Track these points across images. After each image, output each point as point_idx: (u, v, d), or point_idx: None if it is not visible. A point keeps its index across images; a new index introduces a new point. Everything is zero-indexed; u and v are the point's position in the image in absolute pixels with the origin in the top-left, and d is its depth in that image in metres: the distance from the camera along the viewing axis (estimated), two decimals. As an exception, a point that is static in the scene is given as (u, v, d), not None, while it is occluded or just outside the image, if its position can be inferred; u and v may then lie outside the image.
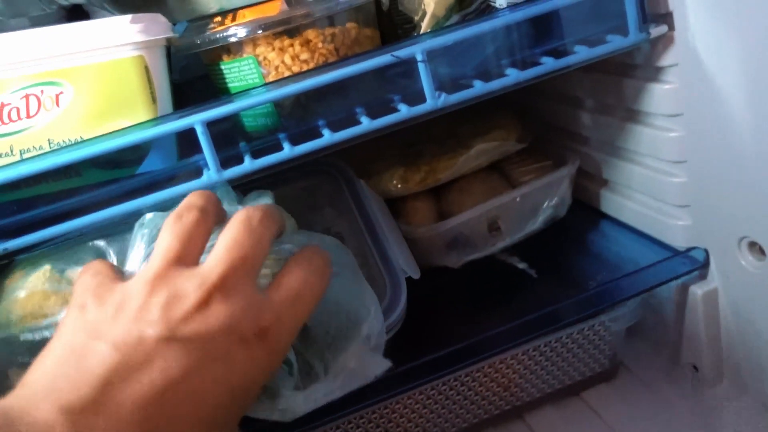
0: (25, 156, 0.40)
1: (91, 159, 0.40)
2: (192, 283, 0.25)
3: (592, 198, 0.66)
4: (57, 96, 0.40)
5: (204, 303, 0.25)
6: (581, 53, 0.46)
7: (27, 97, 0.39)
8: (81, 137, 0.41)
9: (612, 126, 0.59)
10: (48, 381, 0.24)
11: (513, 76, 0.45)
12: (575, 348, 0.57)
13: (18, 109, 0.39)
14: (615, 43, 0.47)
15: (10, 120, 0.39)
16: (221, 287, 0.26)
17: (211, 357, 0.24)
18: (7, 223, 0.41)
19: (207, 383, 0.24)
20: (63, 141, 0.40)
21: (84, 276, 0.30)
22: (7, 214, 0.41)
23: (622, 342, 0.59)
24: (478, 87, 0.45)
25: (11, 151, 0.40)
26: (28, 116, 0.40)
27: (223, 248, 0.28)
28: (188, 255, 0.27)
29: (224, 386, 0.25)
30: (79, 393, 0.23)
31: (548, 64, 0.46)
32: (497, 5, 0.46)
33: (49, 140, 0.40)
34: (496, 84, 0.45)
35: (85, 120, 0.40)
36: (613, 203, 0.64)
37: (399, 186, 0.60)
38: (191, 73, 0.55)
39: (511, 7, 0.45)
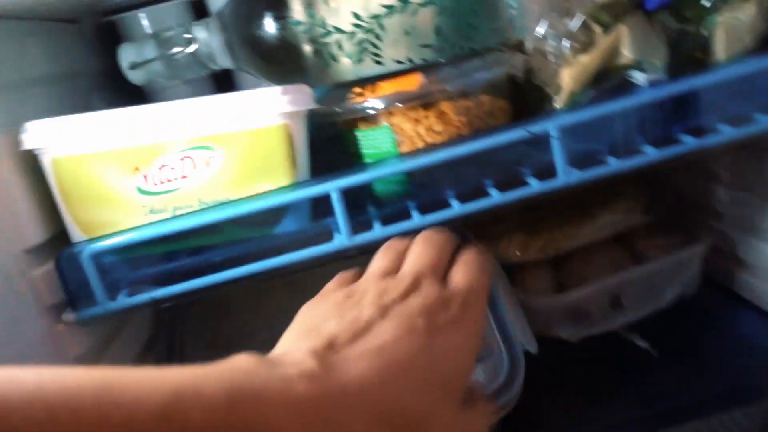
0: (177, 213, 0.43)
1: (233, 218, 0.43)
2: (396, 282, 0.36)
3: (725, 277, 0.62)
4: (209, 159, 0.43)
5: (405, 294, 0.34)
6: (725, 133, 0.44)
7: (183, 159, 0.43)
8: (227, 198, 0.43)
9: (751, 203, 0.56)
10: (295, 338, 0.34)
11: (650, 154, 0.44)
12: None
13: (175, 170, 0.43)
14: (763, 123, 0.44)
15: (167, 180, 0.43)
16: (415, 284, 0.35)
17: (412, 332, 0.32)
18: (157, 273, 0.44)
19: (412, 352, 0.32)
20: (211, 201, 0.43)
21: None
22: (158, 265, 0.44)
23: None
24: (613, 164, 0.44)
25: (166, 209, 0.43)
26: (183, 177, 0.43)
27: (415, 257, 0.38)
28: (394, 267, 0.38)
29: (424, 358, 0.32)
30: (322, 342, 0.31)
31: (688, 143, 0.44)
32: (636, 82, 0.45)
33: (199, 200, 0.43)
34: (631, 162, 0.44)
35: (232, 182, 0.43)
36: (748, 285, 0.60)
37: (518, 253, 0.59)
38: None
39: (653, 85, 0.44)
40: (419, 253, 0.38)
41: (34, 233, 0.44)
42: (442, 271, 0.37)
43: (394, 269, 0.38)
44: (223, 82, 0.64)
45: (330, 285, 0.39)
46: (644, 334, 0.61)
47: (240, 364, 0.27)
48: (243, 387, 0.26)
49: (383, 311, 0.33)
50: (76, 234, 0.44)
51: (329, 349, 0.30)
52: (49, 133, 0.42)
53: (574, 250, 0.61)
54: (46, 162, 0.43)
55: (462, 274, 0.37)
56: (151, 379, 0.25)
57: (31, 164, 0.43)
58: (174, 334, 0.58)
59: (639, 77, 0.45)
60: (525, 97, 0.53)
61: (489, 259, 0.42)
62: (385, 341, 0.31)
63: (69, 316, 0.44)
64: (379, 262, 0.39)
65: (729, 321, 0.61)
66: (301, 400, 0.27)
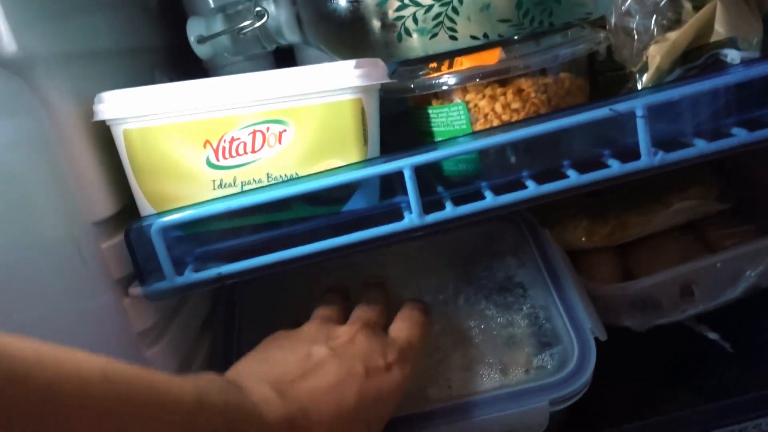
0: (245, 188, 0.43)
1: (303, 195, 0.42)
2: (343, 330, 0.43)
3: (801, 270, 0.59)
4: (280, 133, 0.42)
5: (350, 341, 0.41)
6: (824, 116, 0.42)
7: (254, 133, 0.42)
8: (296, 173, 0.42)
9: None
10: (257, 369, 0.39)
11: (741, 136, 0.42)
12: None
13: (245, 144, 0.42)
14: None
15: (237, 154, 0.42)
16: (358, 334, 0.42)
17: (353, 373, 0.38)
18: (224, 248, 0.44)
19: (352, 390, 0.38)
20: (280, 176, 0.42)
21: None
22: (225, 240, 0.44)
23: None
24: (700, 146, 0.42)
25: (234, 183, 0.43)
26: (253, 151, 0.42)
27: (360, 310, 0.46)
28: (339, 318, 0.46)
29: (361, 396, 0.38)
30: (280, 376, 0.37)
31: (785, 126, 0.42)
32: (729, 60, 0.42)
33: (267, 174, 0.42)
34: (720, 144, 0.42)
35: (303, 157, 0.42)
36: (826, 278, 0.57)
37: (584, 239, 0.58)
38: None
39: (746, 63, 0.41)
40: (363, 309, 0.45)
41: (104, 206, 0.43)
42: (381, 326, 0.44)
43: (341, 319, 0.45)
44: (285, 59, 0.63)
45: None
46: (714, 326, 0.58)
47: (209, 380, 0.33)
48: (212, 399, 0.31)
49: (330, 353, 0.39)
50: (146, 207, 0.43)
51: (280, 382, 0.36)
52: (122, 105, 0.41)
53: (642, 238, 0.59)
54: (117, 134, 0.42)
55: (401, 328, 0.44)
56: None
57: (102, 136, 0.43)
58: (232, 312, 0.58)
59: (732, 55, 0.42)
60: (597, 77, 0.51)
61: (430, 312, 0.48)
62: (328, 381, 0.37)
63: (136, 290, 0.43)
64: (326, 311, 0.46)
65: (804, 316, 0.58)
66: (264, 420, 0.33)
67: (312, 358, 0.39)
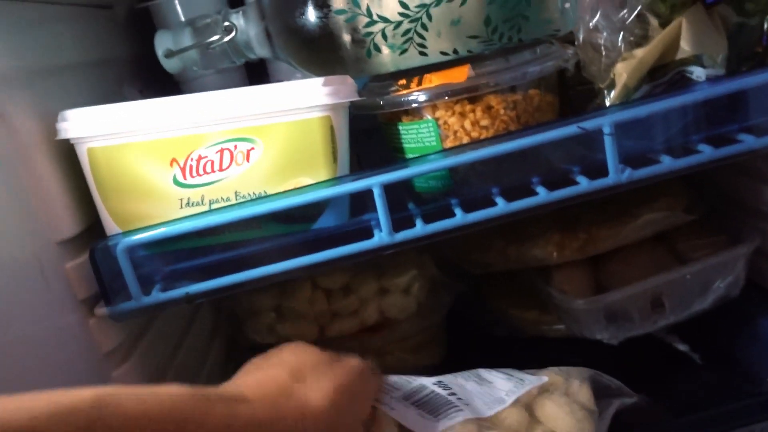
0: (213, 206, 0.42)
1: (271, 213, 0.41)
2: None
3: (769, 280, 0.60)
4: (248, 151, 0.41)
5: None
6: (788, 132, 0.42)
7: (222, 151, 0.41)
8: (265, 191, 0.42)
9: (800, 205, 0.54)
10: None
11: (707, 153, 0.42)
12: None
13: (212, 162, 0.41)
14: (828, 123, 0.42)
15: (204, 172, 0.42)
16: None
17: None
18: (192, 268, 0.43)
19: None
20: (249, 194, 0.42)
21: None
22: (193, 259, 0.43)
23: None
24: (667, 163, 0.42)
25: (202, 201, 0.42)
26: (221, 169, 0.42)
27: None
28: None
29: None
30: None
31: (748, 142, 0.42)
32: (694, 77, 0.43)
33: (236, 192, 0.42)
34: (686, 161, 0.42)
35: (271, 175, 0.42)
36: (794, 288, 0.58)
37: (555, 254, 0.58)
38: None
39: (712, 80, 0.42)
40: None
41: (68, 225, 0.42)
42: None
43: None
44: (256, 72, 0.63)
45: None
46: (685, 338, 0.59)
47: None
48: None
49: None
50: (111, 226, 0.43)
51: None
52: (85, 123, 0.40)
53: (613, 250, 0.59)
54: (81, 152, 0.41)
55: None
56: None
57: (66, 153, 0.42)
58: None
59: (698, 72, 0.43)
60: (568, 92, 0.52)
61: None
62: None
63: (102, 310, 0.43)
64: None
65: (773, 325, 0.59)
66: None
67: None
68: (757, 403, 0.51)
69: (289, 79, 0.56)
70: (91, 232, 0.44)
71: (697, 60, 0.43)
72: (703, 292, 0.57)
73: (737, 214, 0.62)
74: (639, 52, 0.43)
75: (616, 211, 0.60)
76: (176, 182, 0.42)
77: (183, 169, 0.41)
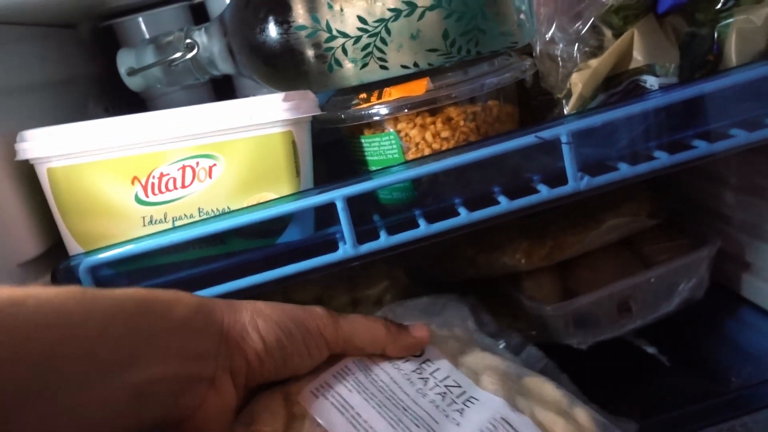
0: (177, 223, 0.42)
1: (235, 229, 0.41)
2: None
3: (732, 281, 0.62)
4: (210, 168, 0.41)
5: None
6: (739, 137, 0.43)
7: (184, 168, 0.41)
8: (228, 207, 0.42)
9: (759, 207, 0.55)
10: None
11: (662, 159, 0.43)
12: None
13: (174, 180, 0.42)
14: (778, 127, 0.43)
15: (167, 189, 0.42)
16: None
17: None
18: (157, 285, 0.43)
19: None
20: (212, 210, 0.42)
21: None
22: (158, 277, 0.43)
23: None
24: (624, 170, 0.43)
25: (165, 219, 0.42)
26: (183, 186, 0.42)
27: None
28: None
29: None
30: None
31: (701, 148, 0.43)
32: (648, 86, 0.44)
33: (199, 209, 0.42)
34: (643, 167, 0.43)
35: (234, 191, 0.42)
36: (756, 289, 0.60)
37: (523, 261, 0.58)
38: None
39: (665, 89, 0.43)
40: None
41: (30, 247, 0.42)
42: None
43: None
44: (223, 87, 0.63)
45: None
46: (652, 340, 0.60)
47: None
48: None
49: None
50: (73, 246, 0.42)
51: None
52: (44, 143, 0.40)
53: (580, 256, 0.60)
54: (41, 172, 0.41)
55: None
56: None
57: (26, 174, 0.42)
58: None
59: (651, 81, 0.44)
60: (530, 101, 0.52)
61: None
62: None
63: (66, 330, 0.42)
64: None
65: (737, 325, 0.60)
66: None
67: None
68: (724, 403, 0.51)
69: (255, 94, 0.56)
70: (54, 252, 0.43)
71: (650, 69, 0.44)
72: (669, 295, 0.58)
73: (700, 217, 0.64)
74: (594, 63, 0.44)
75: (581, 218, 0.61)
76: (138, 200, 0.42)
77: (145, 187, 0.41)
